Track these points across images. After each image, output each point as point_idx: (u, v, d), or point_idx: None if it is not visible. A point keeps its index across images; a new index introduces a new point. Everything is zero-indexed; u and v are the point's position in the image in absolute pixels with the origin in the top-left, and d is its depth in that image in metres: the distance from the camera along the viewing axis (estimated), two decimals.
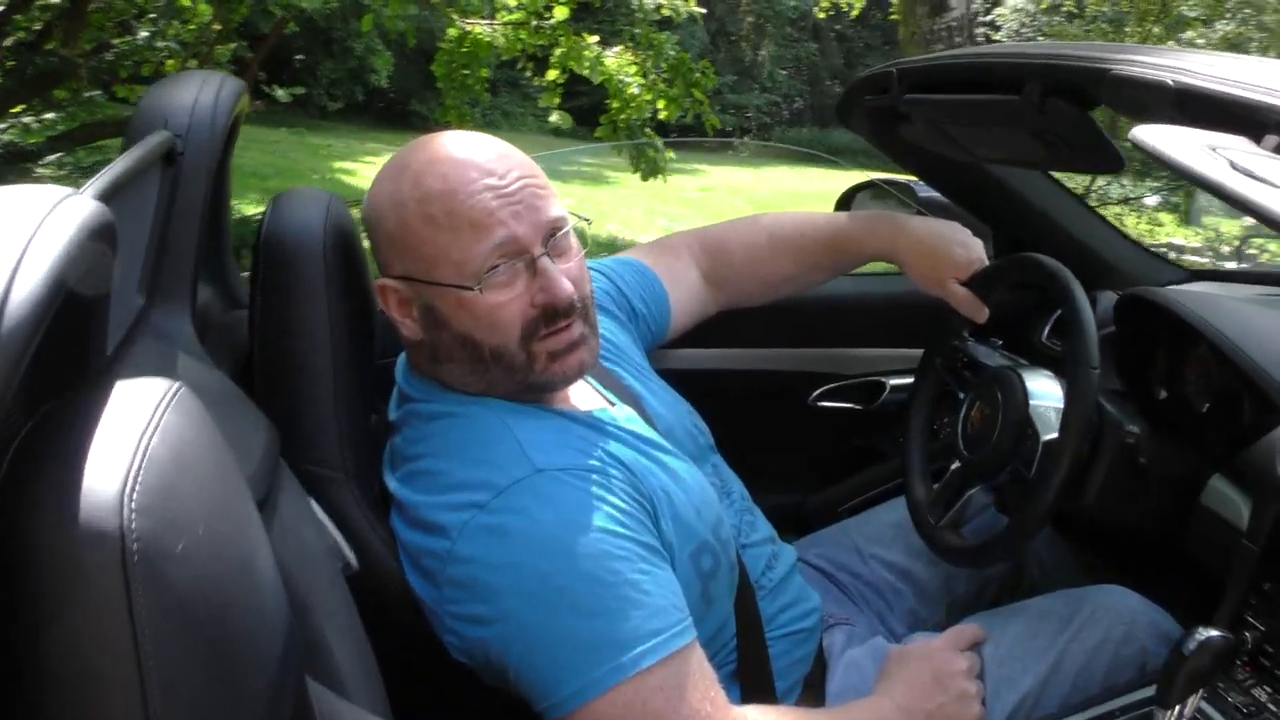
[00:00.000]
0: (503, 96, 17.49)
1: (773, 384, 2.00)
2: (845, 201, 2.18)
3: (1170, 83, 1.08)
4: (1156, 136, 0.97)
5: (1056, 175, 1.85)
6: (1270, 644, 1.33)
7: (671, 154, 6.05)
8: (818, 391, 2.02)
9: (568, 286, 1.21)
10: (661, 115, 5.55)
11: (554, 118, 5.67)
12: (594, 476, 1.18)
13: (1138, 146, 0.99)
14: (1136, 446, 1.48)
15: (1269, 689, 1.32)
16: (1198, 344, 1.61)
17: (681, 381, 1.54)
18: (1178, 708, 1.23)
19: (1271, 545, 1.35)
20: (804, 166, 14.55)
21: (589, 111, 6.67)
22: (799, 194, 11.94)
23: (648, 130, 5.69)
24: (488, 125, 12.83)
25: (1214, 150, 0.93)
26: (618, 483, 1.19)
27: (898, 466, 1.98)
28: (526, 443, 1.19)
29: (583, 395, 1.35)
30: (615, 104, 5.60)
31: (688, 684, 1.11)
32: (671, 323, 1.63)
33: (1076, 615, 1.46)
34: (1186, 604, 1.50)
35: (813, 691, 1.45)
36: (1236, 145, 0.96)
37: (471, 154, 1.20)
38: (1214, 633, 1.22)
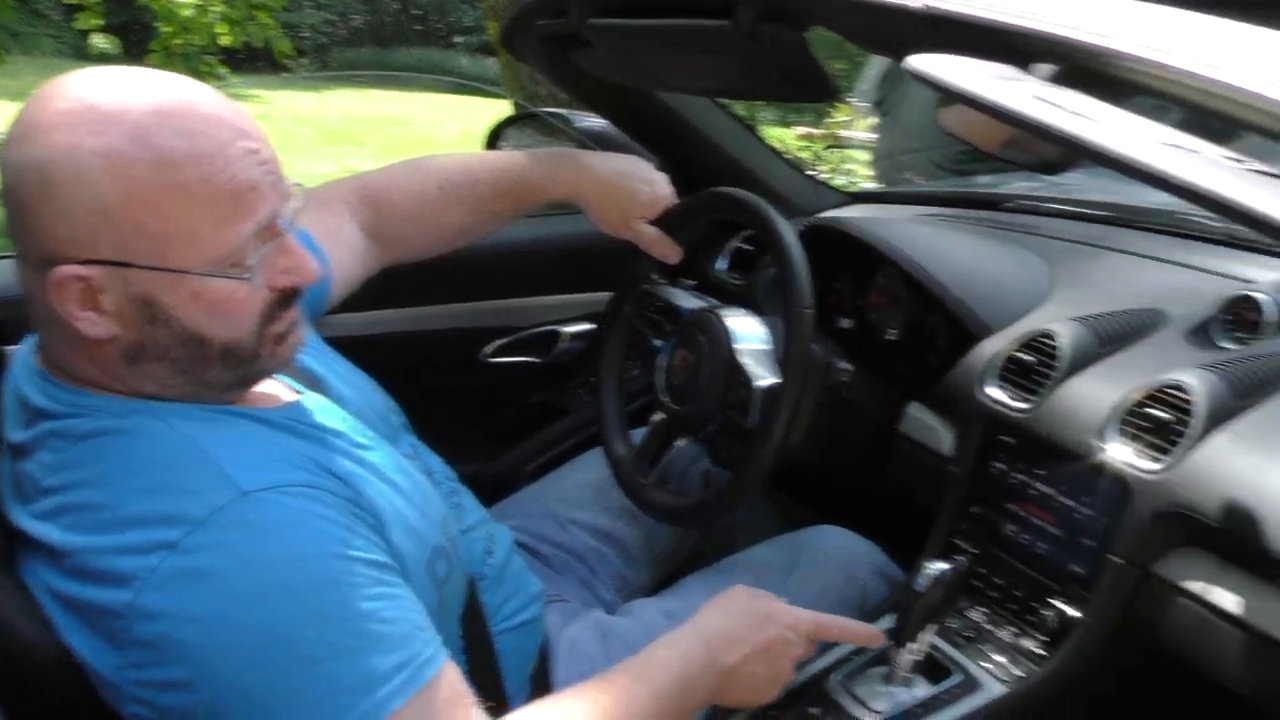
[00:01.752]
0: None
1: (438, 344, 1.81)
2: (494, 137, 2.00)
3: (920, 7, 1.01)
4: (939, 67, 0.89)
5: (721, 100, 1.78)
6: (983, 566, 1.36)
7: (236, 79, 5.52)
8: (489, 347, 1.86)
9: (315, 264, 1.02)
10: (223, 40, 5.01)
11: (98, 41, 4.95)
12: (310, 492, 0.96)
13: (918, 78, 0.90)
14: (843, 384, 1.46)
15: (984, 610, 1.36)
16: (880, 271, 1.62)
17: (340, 351, 1.33)
18: (912, 644, 1.22)
19: (977, 469, 1.38)
20: (365, 89, 14.05)
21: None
22: (368, 118, 11.49)
23: (207, 59, 5.13)
24: None
25: (1007, 81, 0.87)
26: (337, 497, 0.98)
27: (581, 422, 1.87)
28: (224, 459, 0.94)
29: (268, 386, 1.11)
30: (167, 29, 4.98)
31: (445, 714, 0.95)
32: (333, 289, 1.40)
33: (798, 562, 1.43)
34: (892, 536, 1.52)
35: (540, 687, 1.32)
36: (1016, 75, 0.90)
37: (215, 108, 0.94)
38: (943, 565, 1.22)
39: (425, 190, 1.48)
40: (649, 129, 1.83)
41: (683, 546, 1.68)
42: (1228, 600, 1.13)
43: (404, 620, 0.95)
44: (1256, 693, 1.14)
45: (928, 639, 1.25)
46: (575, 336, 1.89)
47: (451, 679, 0.98)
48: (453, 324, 1.81)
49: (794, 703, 1.26)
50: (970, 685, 1.26)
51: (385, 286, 1.51)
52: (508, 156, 1.53)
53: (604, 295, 1.68)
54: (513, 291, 1.86)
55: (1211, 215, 1.69)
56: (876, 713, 1.24)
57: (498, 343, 1.86)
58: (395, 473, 1.10)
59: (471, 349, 1.84)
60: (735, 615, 1.15)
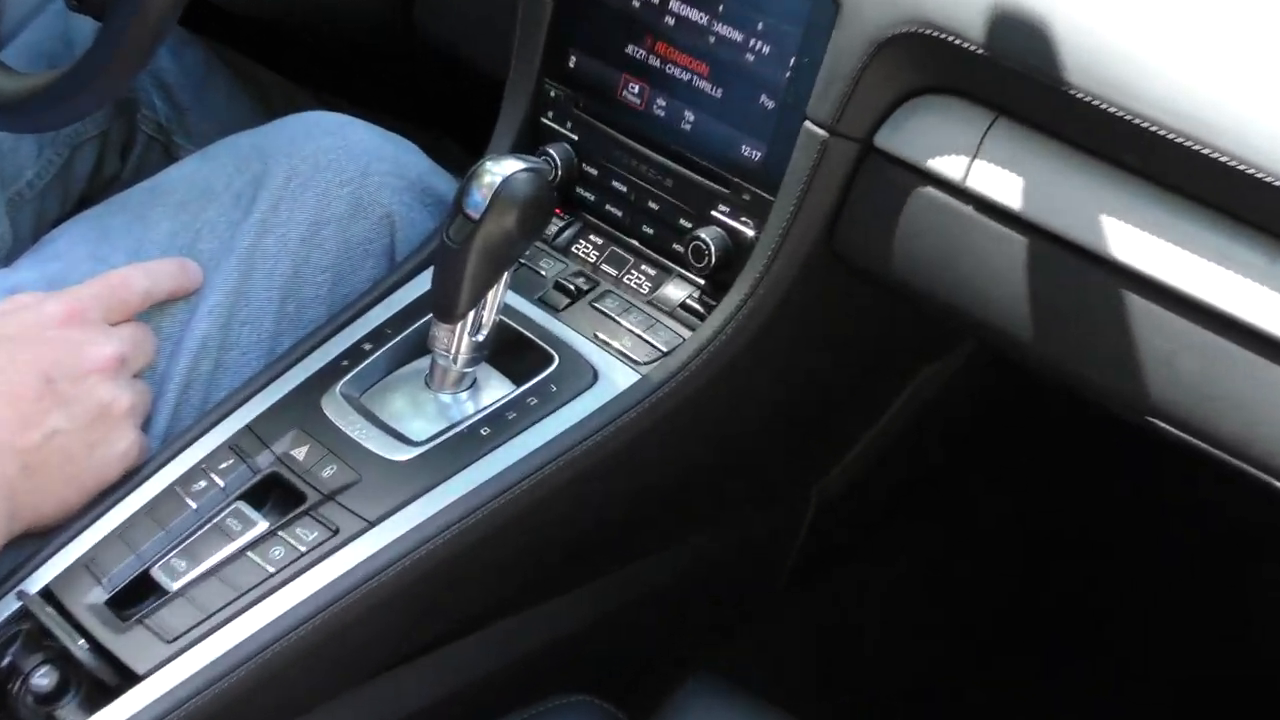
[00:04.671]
0: None
1: None
2: None
3: None
4: None
5: None
6: (590, 163, 0.89)
7: None
8: None
9: None
10: None
11: None
12: None
13: None
14: None
15: (597, 240, 0.88)
16: None
17: None
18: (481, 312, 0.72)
19: None
20: None
21: None
22: None
23: None
24: None
25: None
26: None
27: None
28: None
29: None
30: None
31: None
32: None
33: (263, 183, 0.81)
34: (434, 122, 0.97)
35: None
36: None
37: None
38: (520, 165, 0.68)
39: None
40: None
41: (75, 172, 1.00)
42: (1000, 183, 0.68)
43: None
44: (1017, 329, 0.69)
45: (497, 302, 0.72)
46: None
47: None
48: None
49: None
50: (579, 374, 0.76)
51: None
52: None
53: None
54: None
55: None
56: (413, 444, 0.72)
57: None
58: None
59: None
60: None
